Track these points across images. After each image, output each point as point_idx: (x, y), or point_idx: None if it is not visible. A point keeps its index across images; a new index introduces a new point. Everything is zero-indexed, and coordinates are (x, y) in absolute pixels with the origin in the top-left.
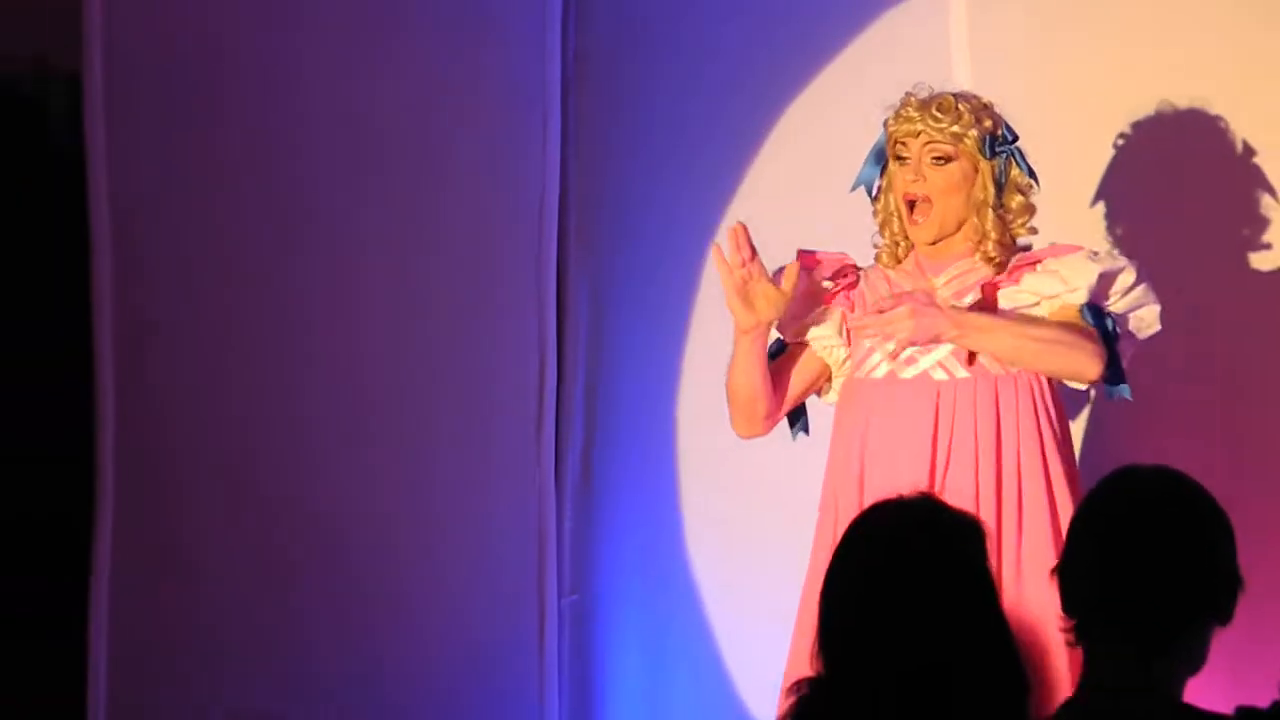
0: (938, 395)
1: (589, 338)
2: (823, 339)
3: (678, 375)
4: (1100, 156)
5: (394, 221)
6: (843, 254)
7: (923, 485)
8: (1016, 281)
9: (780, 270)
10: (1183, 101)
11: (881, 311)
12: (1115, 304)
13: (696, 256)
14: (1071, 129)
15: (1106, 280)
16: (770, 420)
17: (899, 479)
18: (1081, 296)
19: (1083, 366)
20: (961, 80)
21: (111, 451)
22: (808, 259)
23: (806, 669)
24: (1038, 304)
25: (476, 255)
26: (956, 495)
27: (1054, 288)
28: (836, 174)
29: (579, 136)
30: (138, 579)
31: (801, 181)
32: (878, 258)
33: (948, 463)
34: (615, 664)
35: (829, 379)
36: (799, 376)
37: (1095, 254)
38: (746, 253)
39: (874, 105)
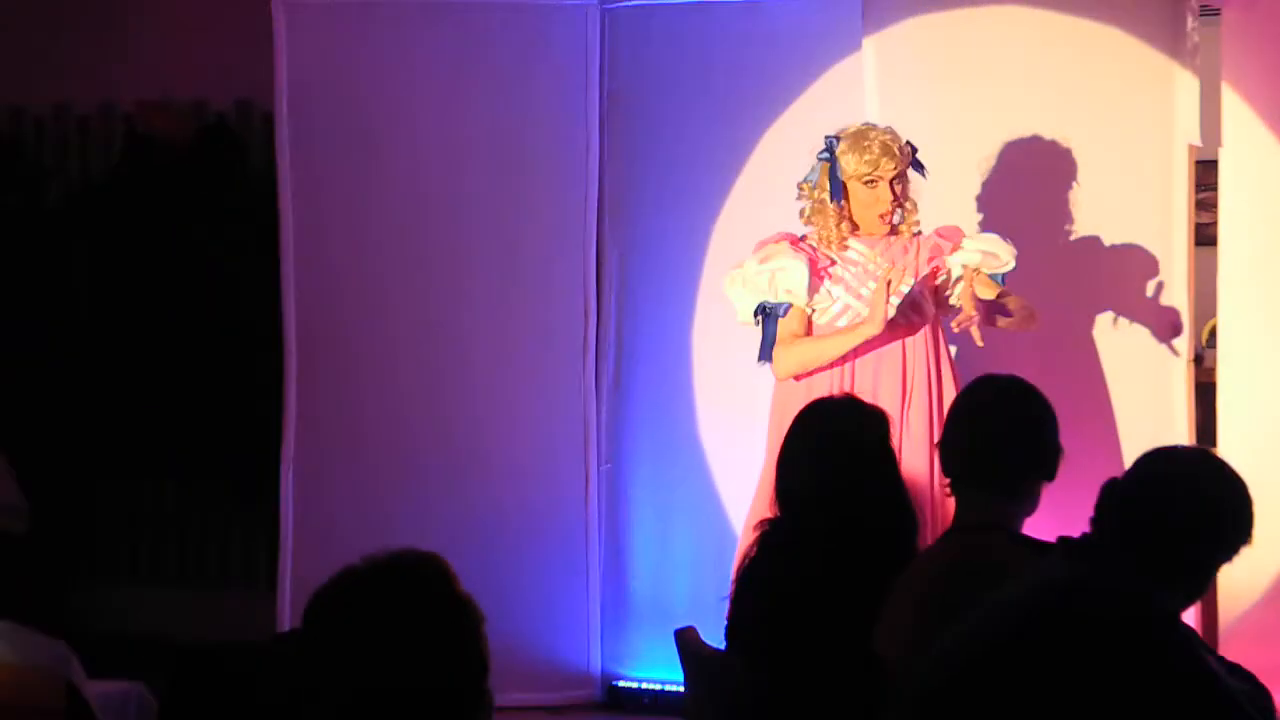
0: (904, 342)
1: (618, 289)
2: (818, 303)
3: (691, 312)
4: (963, 164)
5: (492, 212)
6: (791, 234)
7: (897, 389)
8: (960, 249)
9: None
10: (1027, 130)
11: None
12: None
13: (695, 232)
14: (950, 150)
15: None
16: None
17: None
18: (1011, 264)
19: (1035, 325)
20: (873, 115)
21: (295, 380)
22: (792, 240)
23: (767, 512)
24: (980, 269)
25: (546, 232)
26: (891, 396)
27: (992, 264)
28: (791, 175)
29: (611, 150)
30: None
31: (768, 180)
32: (824, 242)
33: (911, 389)
34: (636, 512)
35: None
36: (804, 329)
37: (1004, 237)
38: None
39: (817, 133)
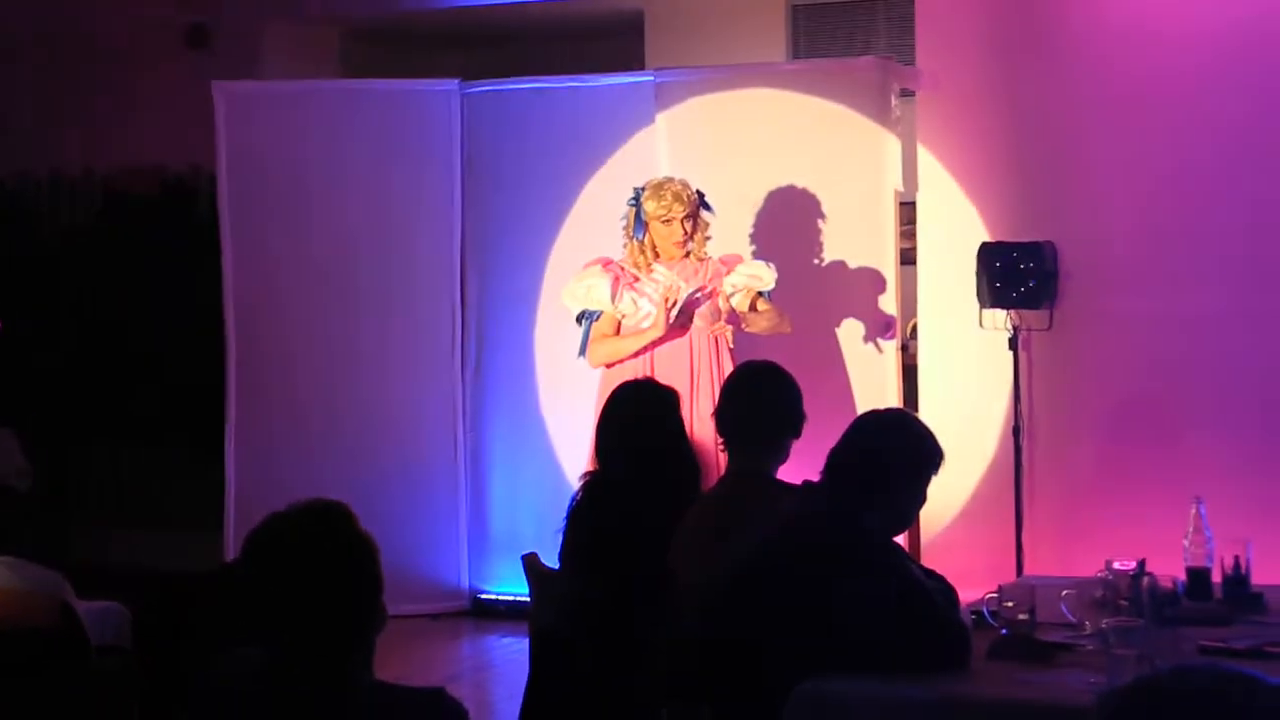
0: (691, 339)
1: (478, 299)
2: (624, 310)
3: (533, 317)
4: (740, 206)
5: (384, 245)
6: (608, 258)
7: (685, 372)
8: (733, 273)
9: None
10: (782, 180)
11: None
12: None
13: (534, 257)
14: (729, 196)
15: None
16: None
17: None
18: (772, 286)
19: (787, 329)
20: (665, 169)
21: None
22: (605, 262)
23: (591, 466)
24: (748, 291)
25: (423, 259)
26: (678, 379)
27: (764, 280)
28: (607, 215)
29: (471, 198)
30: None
31: (589, 218)
32: (634, 265)
33: (697, 363)
34: (494, 468)
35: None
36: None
37: (768, 263)
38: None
39: (626, 184)
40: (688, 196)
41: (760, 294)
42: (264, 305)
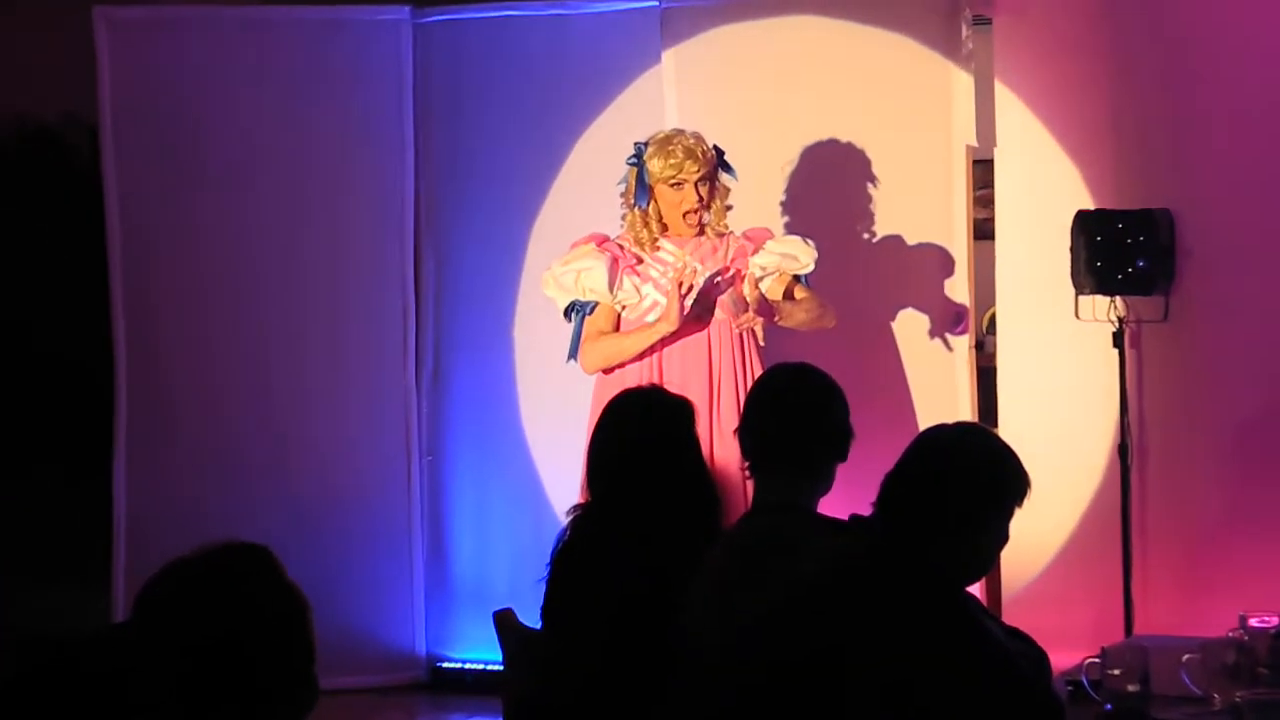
0: (709, 336)
1: (435, 290)
2: (624, 300)
3: (512, 310)
4: (768, 168)
5: (313, 217)
6: (604, 234)
7: (704, 381)
8: (757, 251)
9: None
10: (823, 134)
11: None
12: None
13: (512, 235)
14: (753, 155)
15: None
16: None
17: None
18: (811, 267)
19: (833, 323)
20: (674, 121)
21: (124, 376)
22: (599, 240)
23: (582, 498)
24: (781, 274)
25: (365, 237)
26: (697, 387)
27: (800, 262)
28: (604, 180)
29: (426, 158)
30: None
31: (582, 184)
32: (635, 243)
33: (719, 370)
34: (457, 501)
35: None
36: (612, 326)
37: (805, 240)
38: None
39: (627, 140)
40: (702, 153)
41: (797, 279)
42: (161, 292)
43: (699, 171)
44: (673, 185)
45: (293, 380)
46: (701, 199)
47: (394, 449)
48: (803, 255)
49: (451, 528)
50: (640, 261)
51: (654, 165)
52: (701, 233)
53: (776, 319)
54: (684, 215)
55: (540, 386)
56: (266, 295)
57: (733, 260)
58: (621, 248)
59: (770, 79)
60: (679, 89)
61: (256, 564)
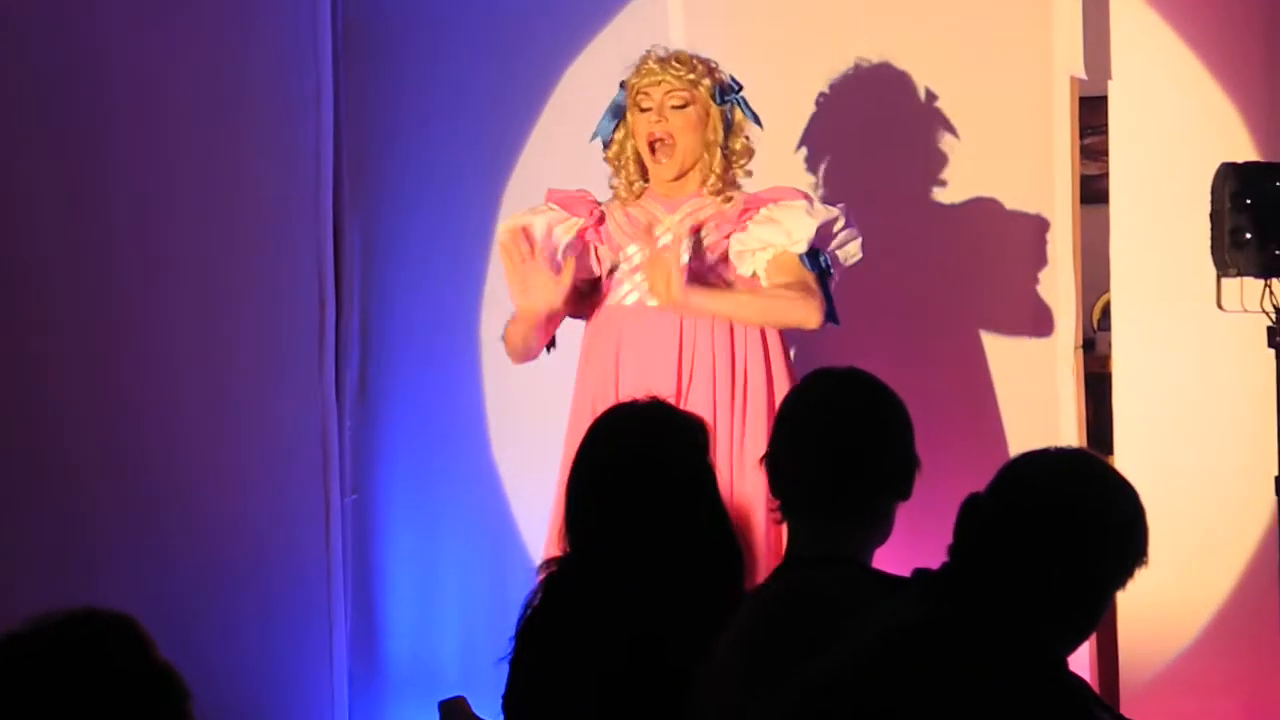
0: (681, 319)
1: (362, 272)
2: (586, 280)
3: (478, 299)
4: (796, 107)
5: (196, 180)
6: (584, 191)
7: (670, 397)
8: (745, 229)
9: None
10: (873, 56)
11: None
12: (828, 245)
13: (476, 199)
14: (771, 85)
15: (823, 229)
16: (538, 353)
17: (652, 391)
18: (802, 248)
19: (803, 319)
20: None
21: None
22: (554, 195)
23: (558, 549)
24: (766, 249)
25: (265, 204)
26: (698, 404)
27: (780, 240)
28: (575, 129)
29: (352, 99)
30: None
31: (544, 136)
32: (615, 197)
33: (691, 377)
34: (392, 553)
35: (590, 308)
36: (564, 312)
37: (811, 205)
38: (526, 249)
39: (610, 75)
40: (683, 65)
41: (804, 257)
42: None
43: (671, 87)
44: (642, 109)
45: (162, 397)
46: (671, 133)
47: (306, 485)
48: (796, 229)
49: (384, 589)
50: (600, 222)
51: (630, 83)
52: (706, 191)
53: (676, 303)
54: (650, 147)
55: (518, 400)
56: (126, 281)
57: (718, 224)
58: (601, 214)
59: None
60: (689, 12)
61: (114, 639)
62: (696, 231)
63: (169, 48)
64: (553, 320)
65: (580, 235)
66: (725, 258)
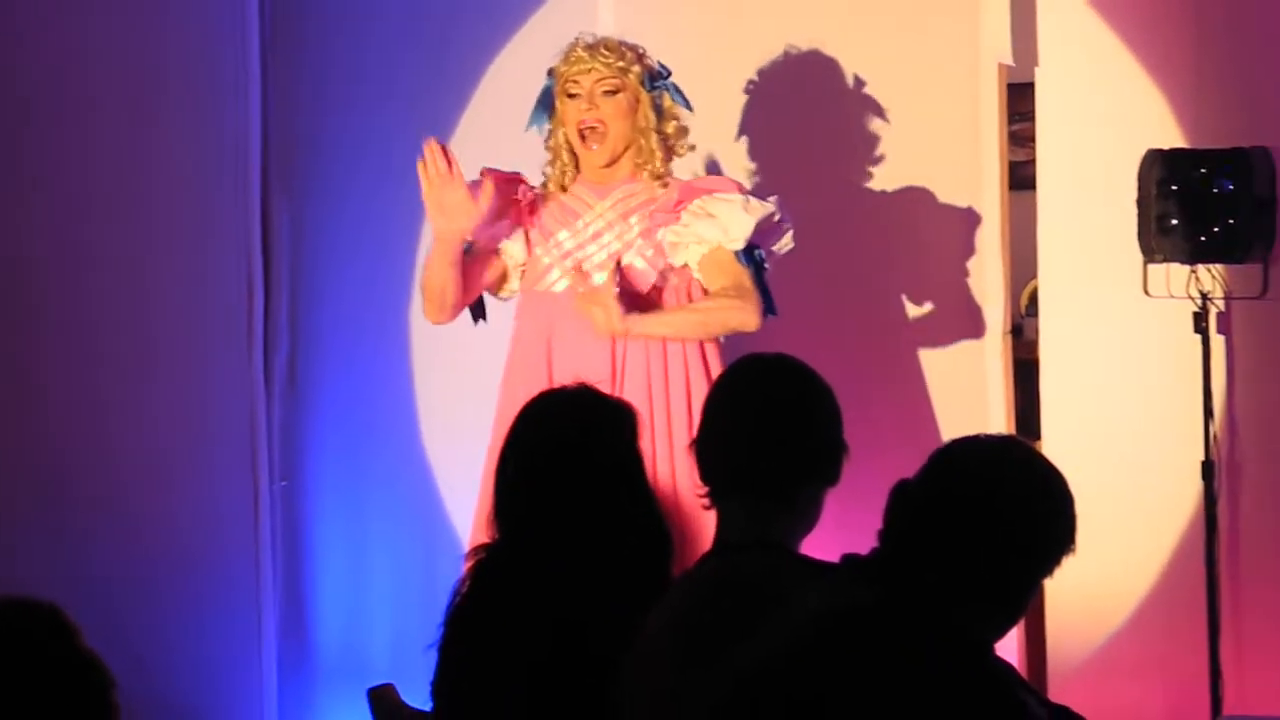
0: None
1: (290, 255)
2: (510, 252)
3: (408, 284)
4: (725, 95)
5: (118, 158)
6: (518, 173)
7: (604, 384)
8: (678, 219)
9: (477, 183)
10: (802, 43)
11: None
12: (764, 241)
13: (385, 191)
14: (699, 73)
15: (760, 224)
16: (456, 309)
17: (584, 378)
18: (739, 245)
19: (741, 324)
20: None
21: None
22: (496, 175)
23: (486, 536)
24: (702, 244)
25: (190, 185)
26: (632, 391)
27: (716, 236)
28: (504, 117)
29: (280, 80)
30: None
31: (472, 123)
32: (546, 185)
33: (624, 363)
34: (322, 541)
35: (506, 281)
36: (482, 274)
37: (747, 201)
38: (444, 166)
39: (538, 64)
40: (612, 51)
41: (739, 254)
42: None
43: (600, 74)
44: (570, 96)
45: (83, 381)
46: (602, 120)
47: (234, 472)
48: (734, 227)
49: (313, 577)
50: (532, 212)
51: (556, 70)
52: (641, 178)
53: (617, 333)
54: (580, 135)
55: (450, 386)
56: (44, 260)
57: (651, 211)
58: (534, 198)
59: None
60: (615, 0)
61: (39, 627)
62: (619, 260)
63: (89, 35)
64: (472, 280)
65: (514, 214)
66: (659, 248)
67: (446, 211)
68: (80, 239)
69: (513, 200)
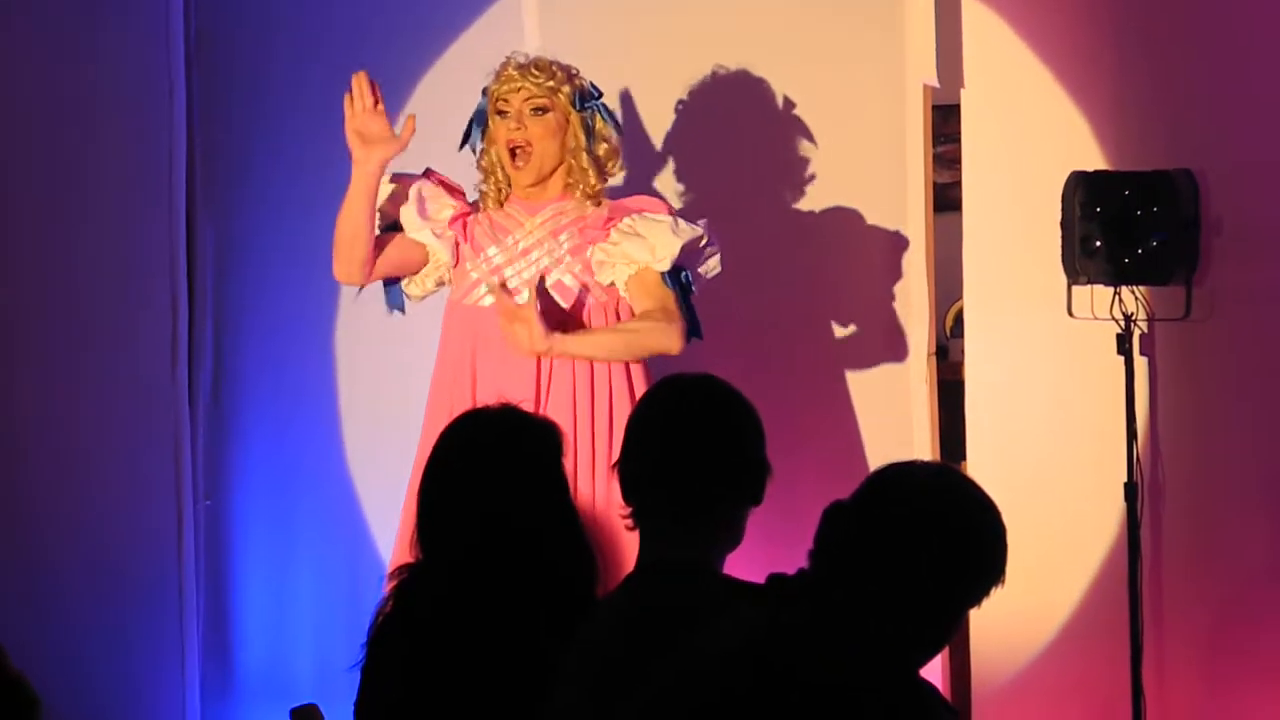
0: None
1: (215, 272)
2: (434, 249)
3: (334, 301)
4: (654, 115)
5: (38, 178)
6: (460, 186)
7: (528, 402)
8: (607, 236)
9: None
10: (730, 64)
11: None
12: (691, 263)
13: (312, 208)
14: (642, 102)
15: (687, 247)
16: (365, 270)
17: (509, 396)
18: (665, 266)
19: (665, 347)
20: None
21: None
22: (440, 179)
23: (408, 556)
24: (630, 265)
25: (114, 202)
26: (557, 409)
27: (644, 256)
28: (432, 135)
29: (206, 97)
30: None
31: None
32: (481, 203)
33: (550, 381)
34: (247, 561)
35: (425, 265)
36: (400, 252)
37: (676, 223)
38: (370, 99)
39: (477, 87)
40: (542, 71)
41: (665, 275)
42: None
43: (530, 93)
44: (500, 114)
45: (25, 399)
46: (529, 139)
47: (158, 490)
48: (660, 248)
49: (237, 596)
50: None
51: (490, 90)
52: (570, 197)
53: (540, 352)
54: (511, 154)
55: (374, 405)
56: None
57: (582, 229)
58: (468, 211)
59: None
60: (545, 16)
61: None
62: (543, 278)
63: (12, 46)
64: (389, 246)
65: (451, 221)
66: (588, 265)
67: (368, 139)
68: (1, 254)
69: (451, 204)
